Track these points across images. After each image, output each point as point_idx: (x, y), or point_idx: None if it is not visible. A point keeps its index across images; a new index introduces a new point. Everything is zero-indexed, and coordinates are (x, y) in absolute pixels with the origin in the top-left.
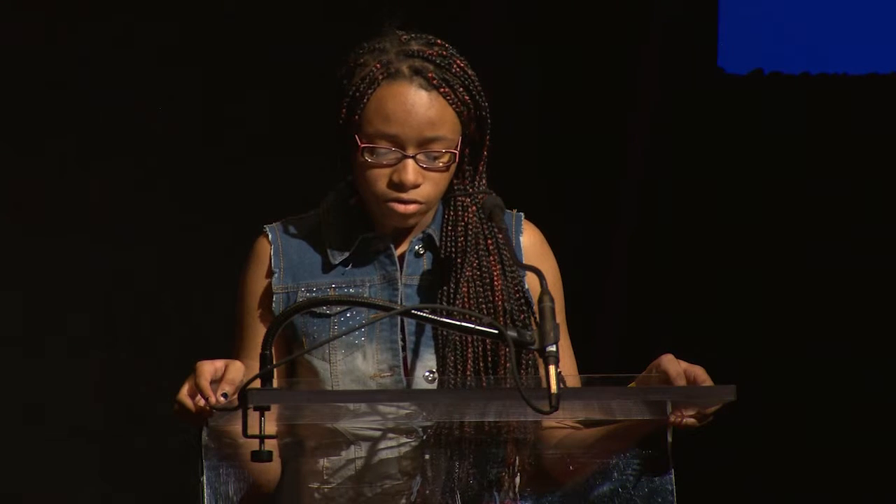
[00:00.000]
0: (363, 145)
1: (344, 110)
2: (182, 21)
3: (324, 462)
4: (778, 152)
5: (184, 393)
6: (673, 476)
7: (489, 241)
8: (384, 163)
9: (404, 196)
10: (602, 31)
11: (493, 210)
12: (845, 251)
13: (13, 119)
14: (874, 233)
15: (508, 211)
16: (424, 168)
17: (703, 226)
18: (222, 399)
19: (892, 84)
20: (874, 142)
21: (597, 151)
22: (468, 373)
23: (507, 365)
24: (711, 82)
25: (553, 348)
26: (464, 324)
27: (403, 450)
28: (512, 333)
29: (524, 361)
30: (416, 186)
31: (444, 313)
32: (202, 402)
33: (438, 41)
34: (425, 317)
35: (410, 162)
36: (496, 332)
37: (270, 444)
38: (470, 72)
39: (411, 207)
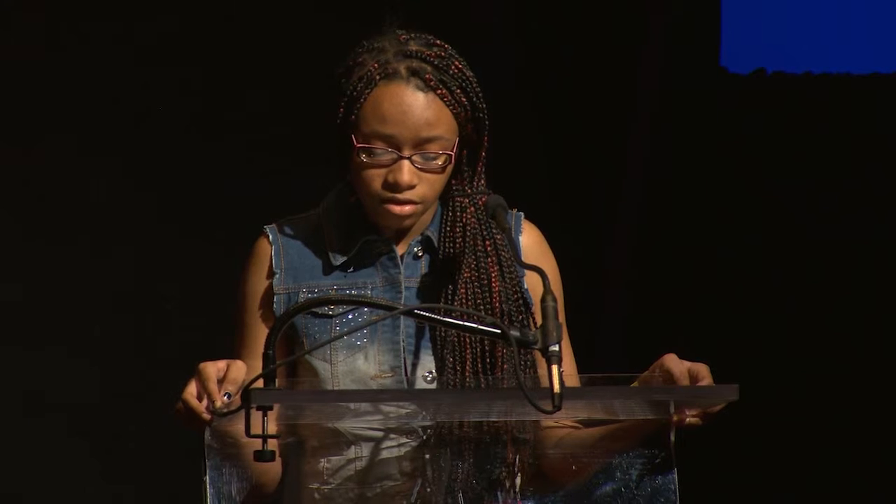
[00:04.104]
0: (359, 145)
1: (341, 110)
2: (182, 21)
3: (324, 462)
4: (780, 151)
5: (189, 393)
6: (676, 475)
7: (487, 243)
8: (380, 163)
9: (399, 196)
10: (603, 31)
11: (495, 210)
12: (846, 251)
13: (13, 119)
14: (876, 232)
15: (509, 211)
16: (420, 169)
17: (704, 225)
18: (226, 399)
19: (895, 83)
20: (877, 141)
21: (598, 151)
22: (467, 374)
23: (506, 366)
24: (714, 82)
25: (556, 348)
26: (466, 323)
27: (404, 450)
28: (515, 333)
29: (523, 361)
30: (412, 187)
31: (447, 313)
32: (206, 405)
33: (438, 42)
34: (428, 317)
35: (406, 163)
36: (499, 331)
37: (272, 444)
38: (468, 73)
39: (407, 209)
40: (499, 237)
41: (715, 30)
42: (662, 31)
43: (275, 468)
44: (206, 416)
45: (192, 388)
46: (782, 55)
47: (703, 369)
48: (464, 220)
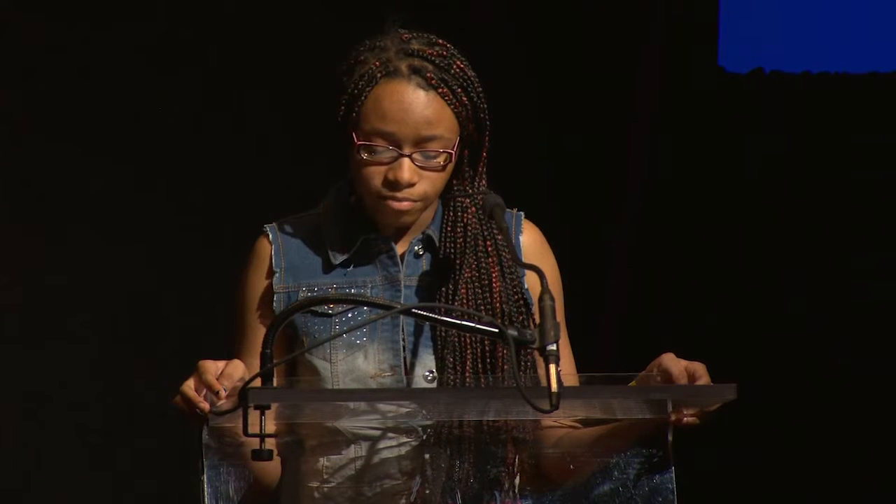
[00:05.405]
0: (359, 143)
1: (342, 107)
2: (182, 21)
3: (324, 461)
4: (778, 151)
5: (187, 385)
6: (673, 475)
7: (488, 243)
8: (380, 161)
9: (399, 195)
10: (602, 31)
11: (493, 209)
12: (846, 250)
13: (13, 119)
14: (875, 232)
15: (508, 210)
16: (420, 167)
17: (703, 225)
18: (223, 392)
19: (893, 83)
20: (875, 141)
21: (597, 151)
22: (467, 373)
23: (506, 366)
24: (712, 81)
25: (553, 347)
26: (464, 322)
27: (403, 449)
28: (512, 332)
29: (523, 361)
30: (412, 185)
31: (446, 312)
32: (203, 396)
33: (440, 41)
34: (427, 316)
35: (406, 161)
36: (496, 331)
37: (270, 443)
38: (470, 73)
39: (405, 205)
40: (499, 237)
41: (713, 29)
42: (661, 31)
43: (273, 467)
44: (204, 405)
45: (190, 382)
46: (780, 55)
47: (700, 368)
48: (465, 220)
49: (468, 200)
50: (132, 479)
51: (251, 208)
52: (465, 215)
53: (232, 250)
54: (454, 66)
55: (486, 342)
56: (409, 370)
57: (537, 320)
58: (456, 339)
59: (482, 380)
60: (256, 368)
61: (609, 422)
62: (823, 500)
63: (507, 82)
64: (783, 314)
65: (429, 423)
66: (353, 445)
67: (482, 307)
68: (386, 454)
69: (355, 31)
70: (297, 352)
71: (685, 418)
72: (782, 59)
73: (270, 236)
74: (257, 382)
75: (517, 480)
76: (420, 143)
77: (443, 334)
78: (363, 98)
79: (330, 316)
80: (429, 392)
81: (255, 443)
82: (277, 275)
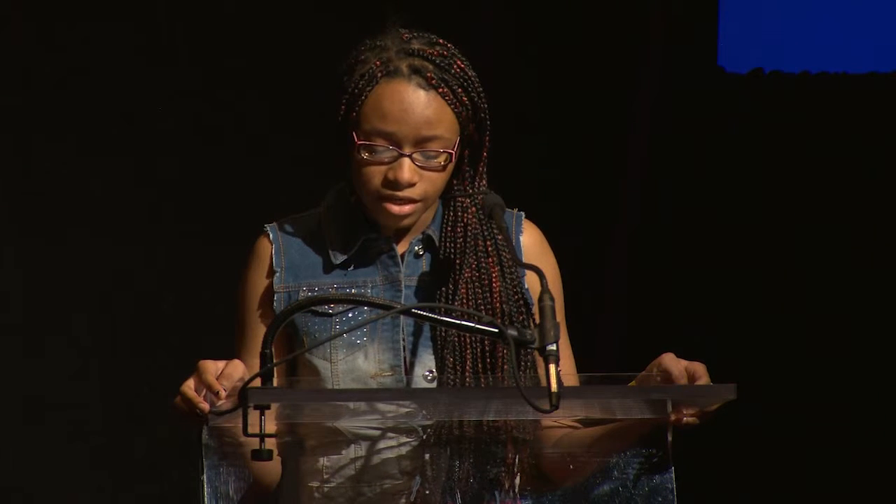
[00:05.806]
0: (360, 143)
1: (343, 107)
2: (182, 21)
3: (324, 461)
4: (778, 151)
5: (187, 385)
6: (673, 475)
7: (488, 243)
8: (380, 160)
9: (399, 195)
10: (602, 31)
11: (493, 209)
12: (845, 250)
13: (13, 119)
14: (874, 232)
15: (509, 210)
16: (420, 167)
17: (703, 225)
18: (223, 392)
19: (892, 83)
20: (874, 141)
21: (597, 151)
22: (467, 373)
23: (506, 366)
24: (711, 81)
25: (553, 347)
26: (464, 322)
27: (404, 449)
28: (512, 332)
29: (523, 361)
30: (412, 185)
31: (446, 312)
32: (203, 397)
33: (440, 41)
34: (426, 316)
35: (406, 160)
36: (496, 331)
37: (270, 443)
38: (470, 73)
39: (406, 208)
40: (499, 237)
41: (712, 29)
42: (662, 31)
43: (273, 467)
44: (204, 405)
45: (190, 382)
46: (780, 55)
47: (700, 368)
48: (465, 220)
49: (468, 200)
50: (132, 479)
51: (251, 208)
52: (466, 215)
53: (232, 250)
54: (454, 67)
55: (486, 342)
56: (409, 370)
57: (537, 320)
58: (456, 339)
59: (482, 380)
60: (256, 368)
61: (609, 422)
62: (823, 500)
63: (507, 82)
64: (783, 314)
65: (429, 423)
66: (353, 445)
67: (482, 307)
68: (386, 454)
69: (355, 31)
70: (298, 352)
71: (685, 418)
72: (782, 59)
73: (271, 236)
74: (257, 382)
75: (517, 480)
76: (420, 142)
77: (443, 334)
78: (363, 98)
79: (330, 316)
80: (429, 392)
81: (255, 443)
82: (278, 274)
